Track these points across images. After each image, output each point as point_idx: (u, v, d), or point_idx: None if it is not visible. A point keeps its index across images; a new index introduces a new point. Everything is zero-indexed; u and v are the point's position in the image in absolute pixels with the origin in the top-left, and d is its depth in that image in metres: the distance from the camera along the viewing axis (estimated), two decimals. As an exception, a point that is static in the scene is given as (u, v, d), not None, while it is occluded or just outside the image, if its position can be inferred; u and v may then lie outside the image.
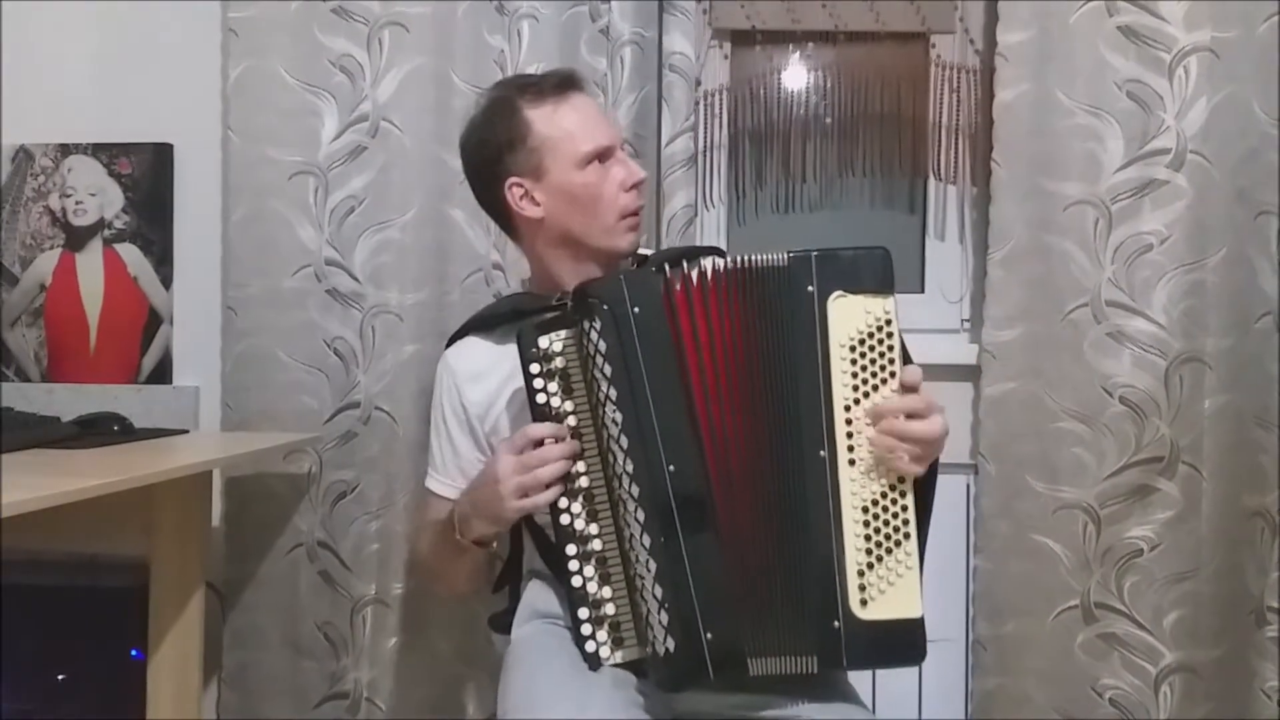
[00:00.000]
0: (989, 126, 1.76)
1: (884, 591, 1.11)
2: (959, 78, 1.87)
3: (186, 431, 1.78)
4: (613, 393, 1.13)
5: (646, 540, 1.11)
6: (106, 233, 1.90)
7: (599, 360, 1.13)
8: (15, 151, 1.91)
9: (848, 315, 1.13)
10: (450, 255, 1.79)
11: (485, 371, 1.35)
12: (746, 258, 1.16)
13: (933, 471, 1.16)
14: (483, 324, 1.39)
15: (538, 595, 1.33)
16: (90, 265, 1.90)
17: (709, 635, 1.10)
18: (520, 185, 1.31)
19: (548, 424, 1.18)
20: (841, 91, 1.91)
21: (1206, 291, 1.70)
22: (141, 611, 1.62)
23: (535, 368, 1.19)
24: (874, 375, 1.13)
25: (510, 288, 1.78)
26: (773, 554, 1.13)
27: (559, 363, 1.18)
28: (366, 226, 1.78)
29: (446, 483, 1.39)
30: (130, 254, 1.90)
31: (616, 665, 1.17)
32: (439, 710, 1.80)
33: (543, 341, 1.19)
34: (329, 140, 1.79)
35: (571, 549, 1.18)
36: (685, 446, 1.12)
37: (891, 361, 1.13)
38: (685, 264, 1.16)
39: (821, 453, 1.12)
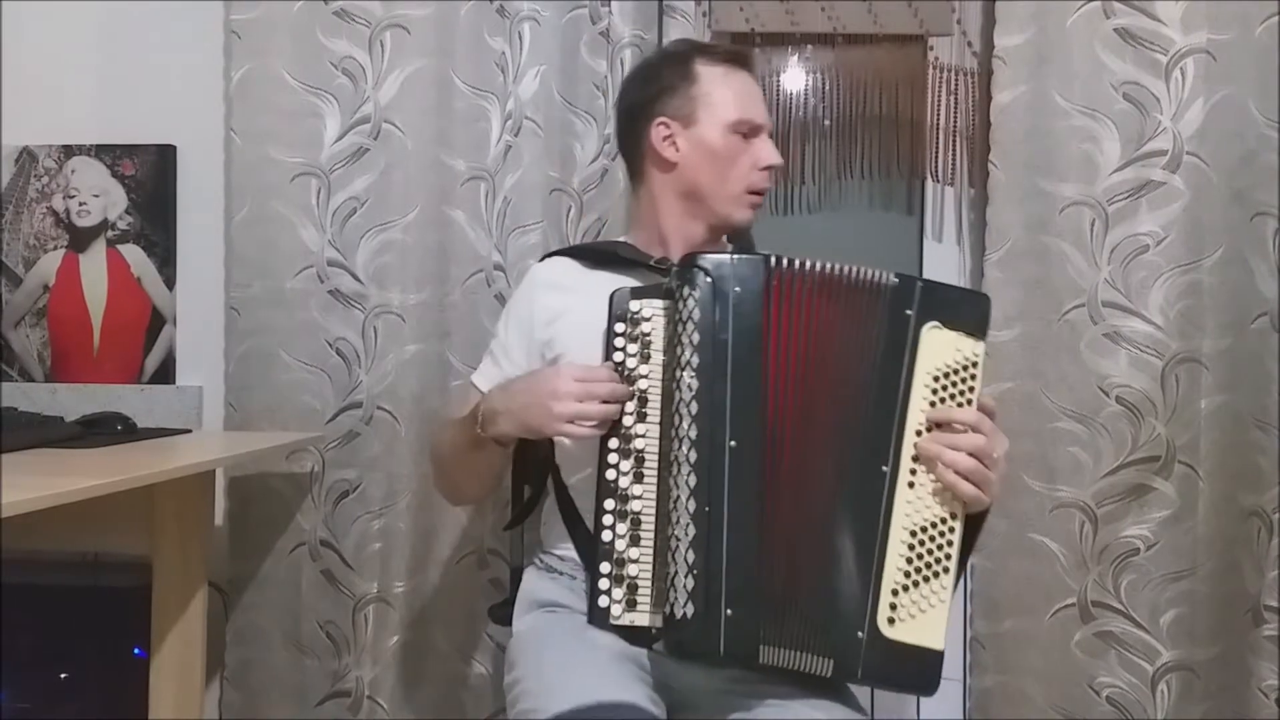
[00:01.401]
0: (986, 128, 1.77)
1: (913, 616, 1.11)
2: (957, 80, 1.87)
3: (189, 431, 1.79)
4: (695, 359, 1.14)
5: (691, 505, 1.12)
6: (110, 233, 1.91)
7: (689, 326, 1.15)
8: (19, 152, 1.92)
9: (939, 347, 1.15)
10: (452, 256, 1.80)
11: (563, 285, 1.38)
12: (849, 267, 1.18)
13: (979, 521, 1.18)
14: (577, 251, 1.45)
15: (536, 585, 1.34)
16: (94, 266, 1.91)
17: (729, 612, 1.10)
18: (667, 126, 1.36)
19: (617, 382, 1.20)
20: (840, 93, 1.92)
21: (1203, 292, 1.71)
22: (144, 610, 1.63)
23: (620, 326, 1.22)
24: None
25: (511, 288, 1.78)
26: (814, 551, 1.13)
27: (644, 328, 1.21)
28: (368, 227, 1.79)
29: (487, 379, 1.40)
30: (133, 254, 1.91)
31: (619, 626, 1.17)
32: (440, 709, 1.81)
33: (634, 305, 1.22)
34: (331, 141, 1.80)
35: (610, 504, 1.19)
36: (750, 428, 1.13)
37: (970, 402, 1.16)
38: (789, 260, 1.18)
39: (884, 467, 1.13)
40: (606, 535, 1.19)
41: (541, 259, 1.49)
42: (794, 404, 1.15)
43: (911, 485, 1.13)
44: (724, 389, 1.13)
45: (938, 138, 1.88)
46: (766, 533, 1.12)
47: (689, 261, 1.17)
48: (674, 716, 1.22)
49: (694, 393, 1.13)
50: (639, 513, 1.18)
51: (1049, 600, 1.74)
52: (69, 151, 1.91)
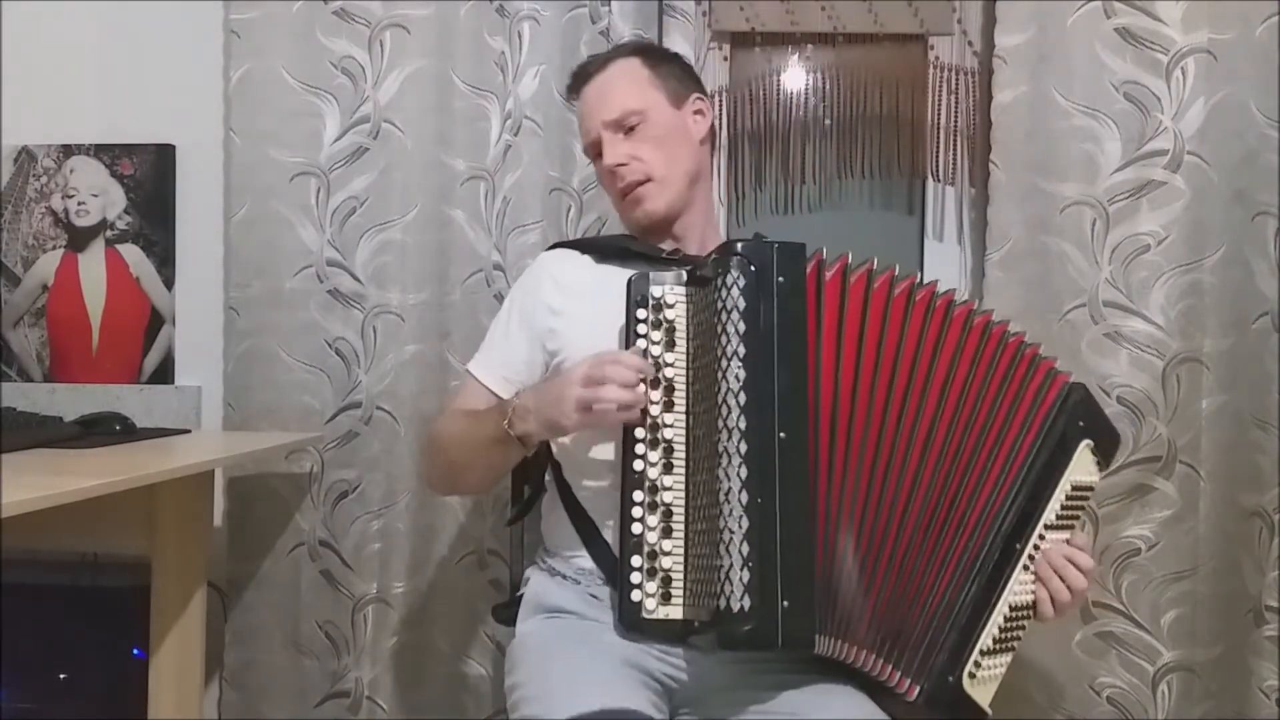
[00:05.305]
0: (987, 128, 1.76)
1: (986, 679, 1.20)
2: (957, 79, 1.87)
3: (188, 431, 1.79)
4: (741, 349, 1.12)
5: (744, 497, 1.10)
6: (109, 233, 1.91)
7: (734, 316, 1.13)
8: (18, 152, 1.92)
9: (1083, 464, 1.26)
10: (451, 256, 1.79)
11: (570, 279, 1.36)
12: (1015, 338, 1.25)
13: None
14: (586, 245, 1.44)
15: (542, 589, 1.33)
16: (92, 266, 1.91)
17: (785, 603, 1.08)
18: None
19: (637, 357, 1.17)
20: (840, 93, 1.91)
21: (1204, 292, 1.71)
22: (143, 610, 1.63)
23: (642, 313, 1.20)
24: (1067, 521, 1.25)
25: (511, 288, 1.78)
26: (891, 563, 1.16)
27: (669, 315, 1.20)
28: (368, 227, 1.79)
29: (485, 367, 1.37)
30: (132, 254, 1.91)
31: (652, 621, 1.15)
32: (440, 709, 1.80)
33: (655, 290, 1.20)
34: (330, 141, 1.80)
35: (638, 495, 1.16)
36: (798, 418, 1.13)
37: (1078, 519, 1.27)
38: (841, 256, 1.20)
39: (1017, 545, 1.21)
40: (636, 528, 1.16)
41: (549, 248, 1.47)
42: (860, 410, 1.16)
43: (1026, 569, 1.22)
44: (770, 379, 1.12)
45: (938, 137, 1.88)
46: (818, 520, 1.13)
47: (729, 250, 1.16)
48: (680, 714, 1.22)
49: (741, 383, 1.12)
50: (670, 504, 1.16)
51: (1050, 600, 1.74)
52: (68, 151, 1.91)
